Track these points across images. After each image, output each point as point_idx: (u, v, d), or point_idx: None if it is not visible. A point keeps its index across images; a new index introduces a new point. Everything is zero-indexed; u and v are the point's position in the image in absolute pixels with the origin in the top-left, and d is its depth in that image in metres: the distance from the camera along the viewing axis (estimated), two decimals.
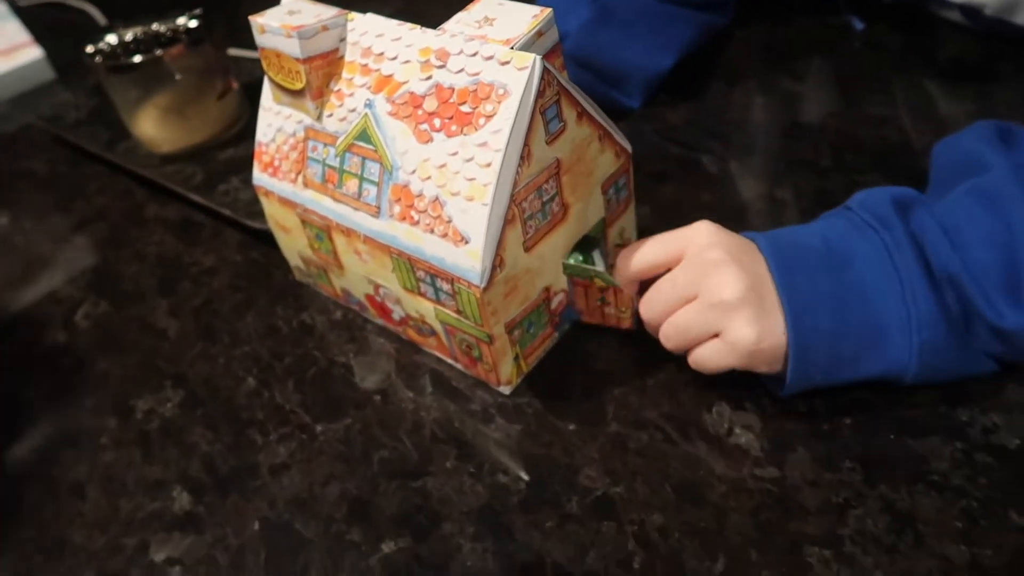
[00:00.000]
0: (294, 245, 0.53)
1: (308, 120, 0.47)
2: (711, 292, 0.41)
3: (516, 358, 0.46)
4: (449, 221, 0.40)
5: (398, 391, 0.48)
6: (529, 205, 0.41)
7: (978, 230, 0.39)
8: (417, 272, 0.43)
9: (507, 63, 0.38)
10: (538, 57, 0.38)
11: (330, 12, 0.45)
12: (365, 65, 0.44)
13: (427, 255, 0.42)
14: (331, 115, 0.45)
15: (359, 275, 0.49)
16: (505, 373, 0.46)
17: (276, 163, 0.49)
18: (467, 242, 0.40)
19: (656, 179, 0.60)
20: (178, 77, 0.68)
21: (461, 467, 0.44)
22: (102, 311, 0.59)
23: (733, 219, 0.55)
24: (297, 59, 0.44)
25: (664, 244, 0.44)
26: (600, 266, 0.48)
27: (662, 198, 0.58)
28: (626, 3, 0.64)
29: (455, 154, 0.40)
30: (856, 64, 0.69)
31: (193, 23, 0.69)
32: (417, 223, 0.42)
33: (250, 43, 0.46)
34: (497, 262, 0.40)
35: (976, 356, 0.40)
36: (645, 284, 0.45)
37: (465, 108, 0.40)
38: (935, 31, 0.70)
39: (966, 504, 0.38)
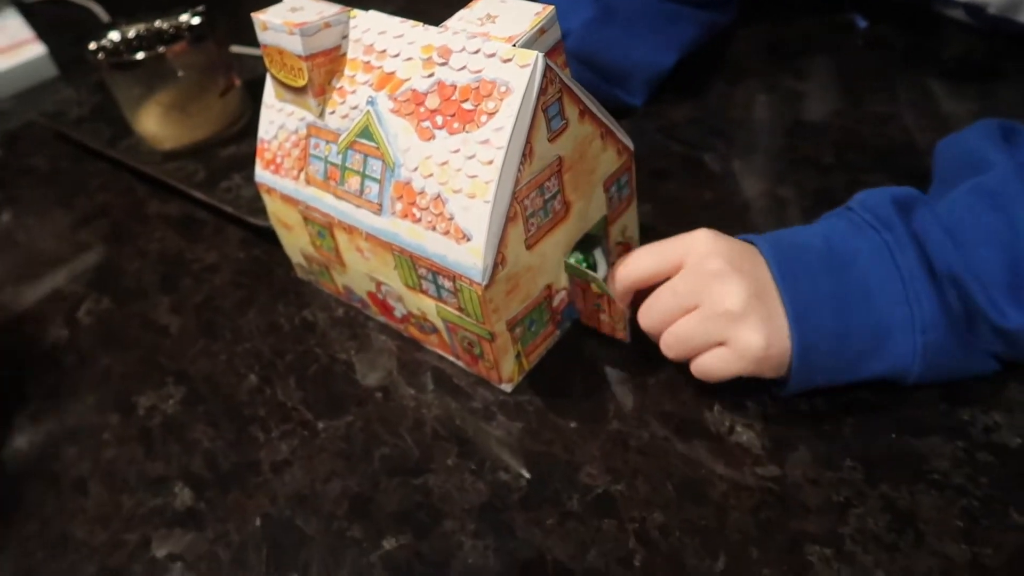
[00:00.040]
0: (296, 242, 0.53)
1: (310, 117, 0.47)
2: (713, 302, 0.40)
3: (517, 356, 0.46)
4: (451, 218, 0.40)
5: (399, 388, 0.49)
6: (531, 203, 0.41)
7: (981, 229, 0.39)
8: (419, 269, 0.43)
9: (509, 60, 0.38)
10: (540, 54, 0.38)
11: (332, 9, 0.45)
12: (367, 62, 0.44)
13: (429, 252, 0.42)
14: (333, 112, 0.45)
15: (361, 272, 0.49)
16: (506, 371, 0.46)
17: (278, 160, 0.49)
18: (469, 239, 0.40)
19: (658, 177, 0.60)
20: (180, 74, 0.68)
21: (462, 464, 0.44)
22: (104, 308, 0.60)
23: (735, 217, 0.56)
24: (299, 56, 0.44)
25: (662, 253, 0.44)
26: (602, 264, 0.49)
27: (664, 196, 0.58)
28: (628, 1, 0.64)
29: (457, 151, 0.40)
30: (859, 62, 0.69)
31: (196, 20, 0.69)
32: (419, 220, 0.42)
33: (253, 40, 0.46)
34: (499, 260, 0.40)
35: (978, 355, 0.40)
36: (642, 292, 0.45)
37: (467, 105, 0.40)
38: (939, 29, 0.70)
39: (967, 503, 0.38)
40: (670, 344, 0.43)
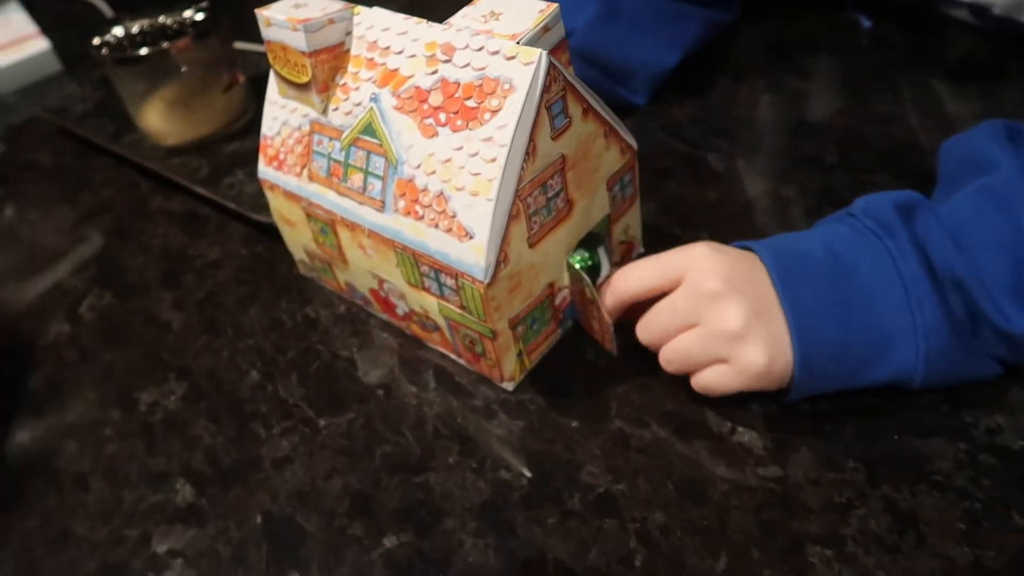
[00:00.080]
0: (299, 239, 0.53)
1: (313, 114, 0.46)
2: (713, 322, 0.40)
3: (519, 354, 0.46)
4: (454, 216, 0.40)
5: (401, 386, 0.48)
6: (534, 201, 0.41)
7: (986, 231, 0.39)
8: (421, 267, 0.43)
9: (513, 58, 0.38)
10: (544, 52, 0.38)
11: (336, 6, 0.45)
12: (371, 59, 0.44)
13: (431, 250, 0.42)
14: (336, 109, 0.45)
15: (363, 269, 0.49)
16: (508, 369, 0.46)
17: (281, 157, 0.49)
18: (471, 237, 0.40)
19: (661, 176, 0.60)
20: (184, 70, 0.68)
21: (463, 463, 0.44)
22: (106, 303, 0.60)
23: (738, 217, 0.56)
24: (303, 52, 0.44)
25: (661, 268, 0.43)
26: (605, 264, 0.48)
27: (667, 195, 0.58)
28: None
29: (460, 149, 0.40)
30: (863, 62, 0.69)
31: (199, 16, 0.69)
32: (422, 218, 0.42)
33: (256, 36, 0.46)
34: (501, 258, 0.40)
35: (982, 360, 0.40)
36: (640, 304, 0.44)
37: (470, 103, 0.39)
38: (943, 30, 0.70)
39: (969, 505, 0.38)
40: (670, 359, 0.43)
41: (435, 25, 0.42)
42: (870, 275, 0.40)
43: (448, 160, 0.40)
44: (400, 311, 0.49)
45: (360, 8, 0.45)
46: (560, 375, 0.47)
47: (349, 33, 0.45)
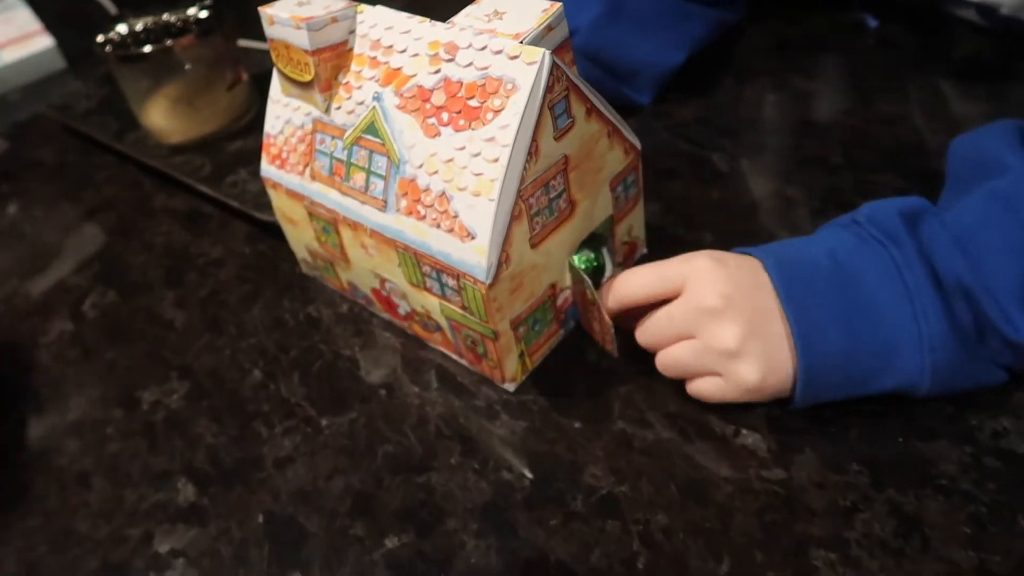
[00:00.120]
0: (301, 238, 0.53)
1: (316, 112, 0.46)
2: (709, 338, 0.41)
3: (521, 355, 0.46)
4: (456, 216, 0.40)
5: (403, 386, 0.48)
6: (536, 201, 0.41)
7: (994, 236, 0.38)
8: (423, 267, 0.43)
9: (516, 57, 0.38)
10: (547, 52, 0.38)
11: (340, 4, 0.45)
12: (374, 58, 0.44)
13: (433, 250, 0.41)
14: (339, 108, 0.45)
15: (365, 269, 0.48)
16: (510, 370, 0.45)
17: (284, 155, 0.49)
18: (473, 238, 0.39)
19: (665, 176, 0.59)
20: (188, 67, 0.68)
21: (465, 463, 0.44)
22: (109, 301, 0.60)
23: (742, 217, 0.55)
24: (306, 51, 0.44)
25: (662, 278, 0.43)
26: (609, 265, 0.48)
27: (671, 195, 0.58)
28: None
29: (462, 149, 0.40)
30: (869, 62, 0.69)
31: (203, 13, 0.69)
32: (424, 218, 0.41)
33: (260, 34, 0.46)
34: (503, 258, 0.40)
35: (988, 368, 0.40)
36: (639, 307, 0.44)
37: (473, 102, 0.39)
38: (950, 30, 0.69)
39: (974, 509, 0.38)
40: (665, 365, 0.43)
41: (438, 24, 0.42)
42: (875, 285, 0.39)
43: (450, 160, 0.40)
44: (402, 311, 0.49)
45: (363, 6, 0.45)
46: (562, 376, 0.47)
47: (352, 31, 0.45)
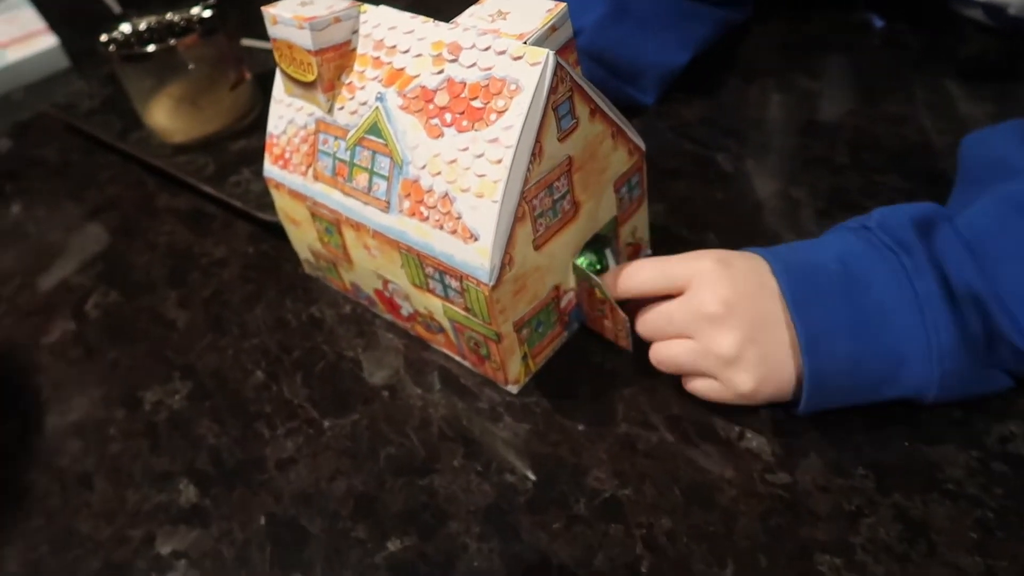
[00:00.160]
0: (304, 238, 0.53)
1: (319, 113, 0.46)
2: (706, 343, 0.41)
3: (524, 357, 0.45)
4: (459, 217, 0.40)
5: (406, 387, 0.48)
6: (539, 203, 0.41)
7: (1007, 242, 0.38)
8: (426, 268, 0.43)
9: (520, 58, 0.38)
10: (551, 52, 0.37)
11: (343, 4, 0.44)
12: (377, 58, 0.43)
13: (436, 251, 0.41)
14: (342, 108, 0.45)
15: (368, 270, 0.48)
16: (513, 372, 0.45)
17: (287, 155, 0.49)
18: (476, 239, 0.39)
19: (670, 176, 0.59)
20: (191, 67, 0.68)
21: (468, 465, 0.43)
22: (112, 301, 0.59)
23: (747, 218, 0.55)
24: (309, 51, 0.44)
25: (666, 276, 0.43)
26: (612, 265, 0.48)
27: (676, 196, 0.58)
28: None
29: (466, 150, 0.39)
30: (875, 62, 0.68)
31: (207, 13, 0.69)
32: (427, 219, 0.41)
33: (264, 33, 0.46)
34: (506, 260, 0.40)
35: (995, 375, 0.39)
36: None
37: (476, 103, 0.39)
38: (957, 30, 0.69)
39: (981, 514, 0.37)
40: (660, 360, 0.44)
41: (442, 24, 0.42)
42: (885, 293, 0.39)
43: (453, 161, 0.40)
44: (405, 312, 0.49)
45: (367, 6, 0.45)
46: (566, 378, 0.47)
47: (355, 31, 0.44)
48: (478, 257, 0.39)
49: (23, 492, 0.47)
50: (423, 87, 0.41)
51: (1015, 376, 0.40)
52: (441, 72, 0.41)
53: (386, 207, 0.43)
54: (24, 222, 0.70)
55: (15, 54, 0.89)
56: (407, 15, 0.43)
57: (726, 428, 0.43)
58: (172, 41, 0.66)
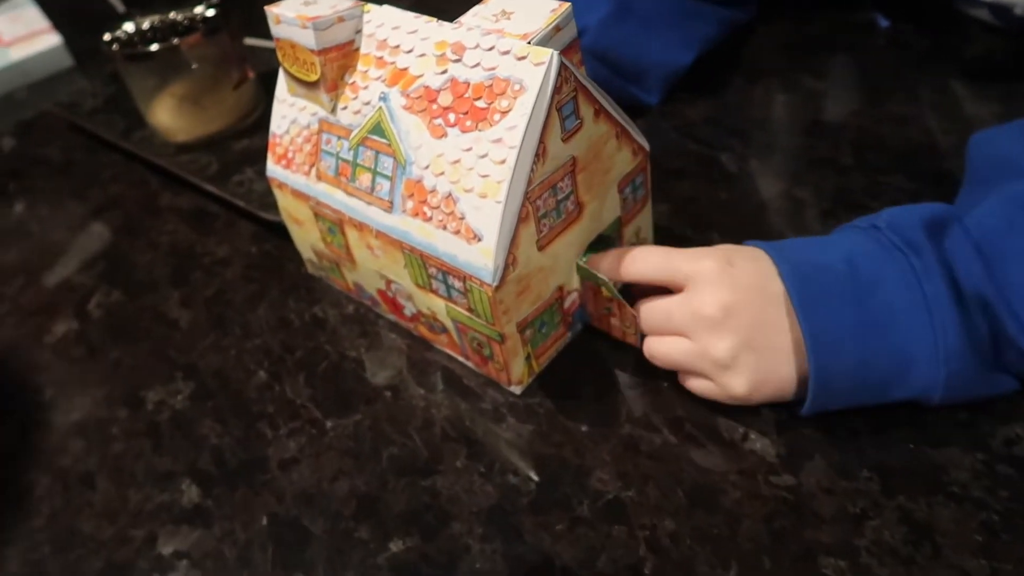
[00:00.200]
0: (307, 238, 0.53)
1: (322, 112, 0.46)
2: (702, 345, 0.41)
3: (528, 358, 0.45)
4: (462, 218, 0.40)
5: (409, 388, 0.48)
6: (543, 203, 0.41)
7: (1014, 242, 0.37)
8: (429, 269, 0.43)
9: (524, 58, 0.38)
10: (555, 52, 0.37)
11: (346, 3, 0.44)
12: (380, 58, 0.43)
13: (439, 252, 0.41)
14: (345, 108, 0.45)
15: (371, 270, 0.48)
16: (516, 373, 0.45)
17: (290, 155, 0.49)
18: (480, 240, 0.39)
19: (674, 176, 0.59)
20: (194, 66, 0.68)
21: (471, 466, 0.43)
22: (114, 300, 0.59)
23: (751, 218, 0.55)
24: (312, 50, 0.43)
25: (670, 269, 0.43)
26: None
27: (680, 196, 0.57)
28: None
29: (469, 150, 0.39)
30: (880, 62, 0.68)
31: (210, 12, 0.69)
32: (430, 219, 0.41)
33: (267, 33, 0.46)
34: (510, 260, 0.40)
35: (1001, 378, 0.39)
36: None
37: (480, 103, 0.39)
38: (962, 30, 0.69)
39: (986, 517, 0.37)
40: (654, 354, 0.44)
41: (445, 24, 0.41)
42: (893, 294, 0.38)
43: (457, 161, 0.40)
44: (408, 312, 0.49)
45: (370, 6, 0.44)
46: (569, 379, 0.47)
47: (359, 31, 0.44)
48: (481, 258, 0.39)
49: (25, 492, 0.47)
50: (427, 87, 0.41)
51: (1021, 379, 0.40)
52: (445, 72, 0.40)
53: (389, 207, 0.43)
54: (27, 221, 0.70)
55: (19, 53, 0.89)
56: (411, 15, 0.43)
57: (730, 430, 0.42)
58: (175, 40, 0.66)
